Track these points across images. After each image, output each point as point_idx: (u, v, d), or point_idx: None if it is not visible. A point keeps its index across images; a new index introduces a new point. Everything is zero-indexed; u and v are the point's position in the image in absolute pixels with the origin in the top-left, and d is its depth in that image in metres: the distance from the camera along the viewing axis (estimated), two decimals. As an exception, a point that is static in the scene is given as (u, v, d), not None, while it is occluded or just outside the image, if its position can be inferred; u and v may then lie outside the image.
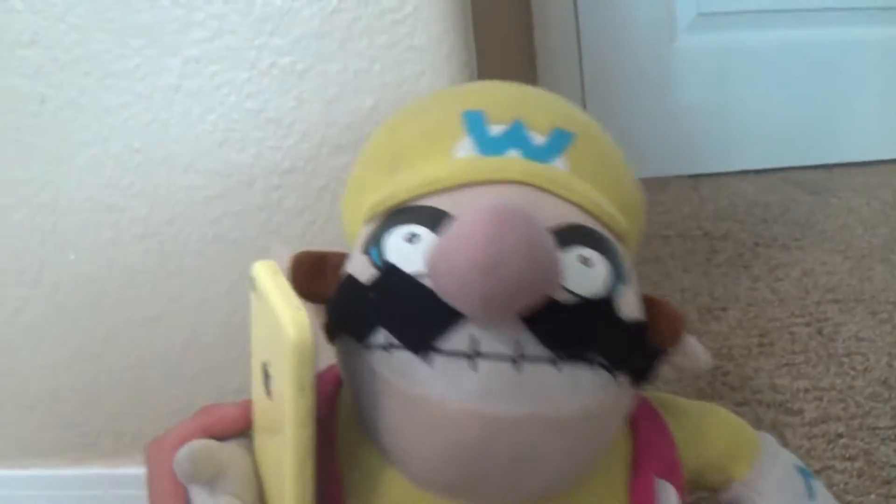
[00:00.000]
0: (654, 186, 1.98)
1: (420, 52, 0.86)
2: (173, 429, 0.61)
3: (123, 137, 0.93)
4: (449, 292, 0.52)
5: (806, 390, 1.18)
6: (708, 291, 1.47)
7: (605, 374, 0.57)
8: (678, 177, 2.03)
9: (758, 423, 0.76)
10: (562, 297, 0.55)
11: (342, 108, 0.88)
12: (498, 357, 0.54)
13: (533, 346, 0.54)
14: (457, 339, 0.54)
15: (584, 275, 0.57)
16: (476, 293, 0.50)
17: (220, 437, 0.59)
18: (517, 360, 0.54)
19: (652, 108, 2.03)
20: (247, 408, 0.62)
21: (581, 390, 0.56)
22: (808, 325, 1.34)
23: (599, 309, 0.57)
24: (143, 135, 0.92)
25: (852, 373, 1.21)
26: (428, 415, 0.55)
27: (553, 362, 0.55)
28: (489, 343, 0.54)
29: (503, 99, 0.67)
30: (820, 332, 1.32)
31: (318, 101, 0.88)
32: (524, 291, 0.51)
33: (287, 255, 0.63)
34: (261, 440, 0.61)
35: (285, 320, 0.51)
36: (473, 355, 0.54)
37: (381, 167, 0.66)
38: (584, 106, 2.01)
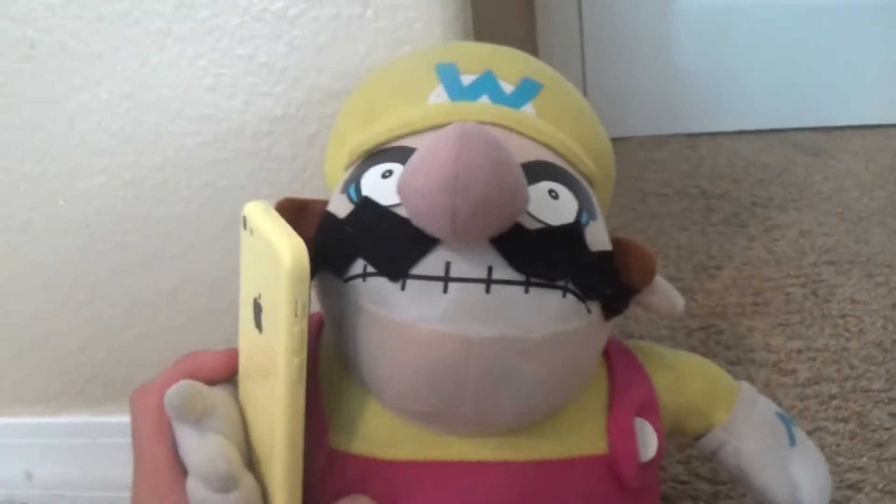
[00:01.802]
0: (652, 145, 1.98)
1: (415, -1, 0.85)
2: (158, 375, 0.62)
3: (114, 82, 0.92)
4: (417, 211, 0.53)
5: (799, 351, 1.18)
6: (704, 250, 1.47)
7: (574, 301, 0.58)
8: (676, 135, 2.04)
9: (751, 383, 0.76)
10: (531, 225, 0.57)
11: (334, 54, 0.87)
12: (469, 280, 0.55)
13: (503, 269, 0.55)
14: (431, 264, 0.55)
15: (553, 206, 0.58)
16: (442, 210, 0.51)
17: (205, 384, 0.59)
18: (487, 282, 0.55)
19: (651, 66, 2.03)
20: (232, 355, 0.62)
21: (549, 315, 0.57)
22: (803, 285, 1.34)
23: (568, 235, 0.58)
24: (133, 80, 0.91)
25: (846, 335, 1.21)
26: (402, 339, 0.56)
27: (522, 285, 0.56)
28: (461, 267, 0.55)
29: (475, 53, 0.70)
30: (815, 293, 1.32)
31: (309, 47, 0.87)
32: (490, 209, 0.51)
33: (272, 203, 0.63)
34: (247, 386, 0.61)
35: (281, 246, 0.52)
36: (445, 279, 0.55)
37: (359, 117, 0.68)
38: (583, 64, 2.00)
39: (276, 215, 0.56)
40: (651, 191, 1.75)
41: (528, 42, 1.90)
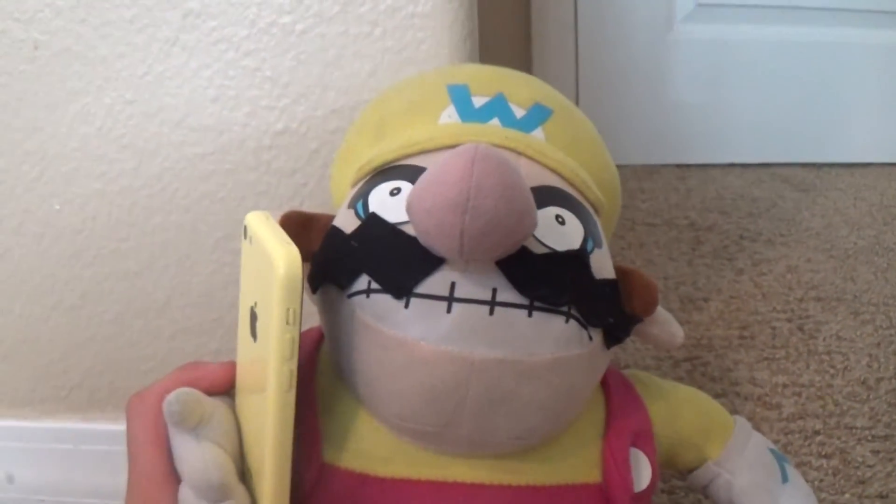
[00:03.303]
0: (642, 174, 1.99)
1: (422, 19, 0.85)
2: (156, 382, 0.62)
3: (117, 88, 0.92)
4: (425, 230, 0.53)
5: (785, 385, 1.18)
6: (691, 281, 1.47)
7: (577, 328, 0.58)
8: (667, 166, 2.04)
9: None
10: (538, 249, 0.57)
11: (340, 71, 0.88)
12: (473, 301, 0.55)
13: (508, 291, 0.56)
14: (436, 283, 0.55)
15: (559, 231, 0.59)
16: (451, 230, 0.51)
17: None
18: (491, 304, 0.55)
19: (644, 96, 2.03)
20: (232, 368, 0.62)
21: (552, 339, 0.57)
22: (789, 320, 1.34)
23: (573, 262, 0.59)
24: (137, 87, 0.91)
25: (832, 371, 1.21)
26: (403, 357, 0.56)
27: (526, 309, 0.56)
28: (466, 288, 0.55)
29: (487, 75, 0.70)
30: (801, 328, 1.32)
31: (316, 62, 0.88)
32: (499, 230, 0.51)
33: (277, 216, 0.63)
34: (243, 398, 0.61)
35: (275, 253, 0.52)
36: (450, 299, 0.55)
37: (368, 135, 0.69)
38: (577, 90, 2.01)
39: (276, 225, 0.57)
40: (640, 220, 1.75)
41: (523, 69, 1.90)
